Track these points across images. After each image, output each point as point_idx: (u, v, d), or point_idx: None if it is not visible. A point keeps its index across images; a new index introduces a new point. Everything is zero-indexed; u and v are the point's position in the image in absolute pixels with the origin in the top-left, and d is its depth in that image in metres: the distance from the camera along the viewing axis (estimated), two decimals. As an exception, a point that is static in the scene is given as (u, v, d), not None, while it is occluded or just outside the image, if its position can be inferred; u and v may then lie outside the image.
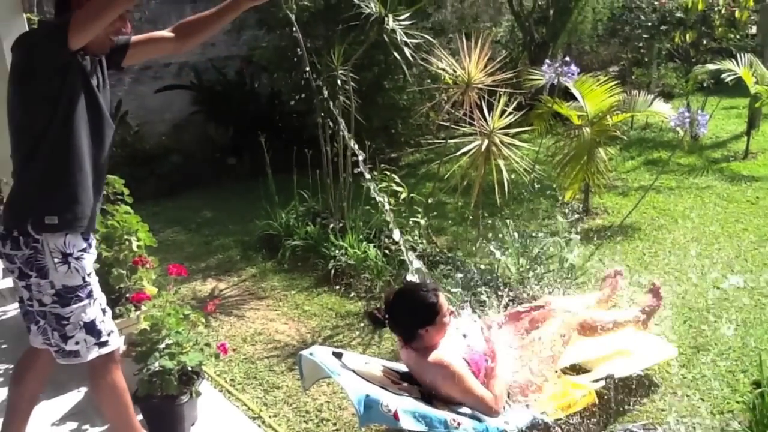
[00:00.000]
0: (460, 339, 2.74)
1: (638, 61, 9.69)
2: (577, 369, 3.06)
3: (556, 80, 4.15)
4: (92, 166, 2.26)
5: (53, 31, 2.09)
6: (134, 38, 2.40)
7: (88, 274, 2.29)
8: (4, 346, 3.63)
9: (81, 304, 2.25)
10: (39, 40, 2.17)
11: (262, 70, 7.59)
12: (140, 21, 6.73)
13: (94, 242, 2.41)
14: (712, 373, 3.19)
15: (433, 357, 2.58)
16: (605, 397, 2.86)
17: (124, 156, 6.69)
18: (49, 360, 2.40)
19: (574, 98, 5.22)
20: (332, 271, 4.43)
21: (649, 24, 8.92)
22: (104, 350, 2.33)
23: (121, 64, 2.43)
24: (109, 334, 2.35)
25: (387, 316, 2.67)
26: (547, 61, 4.23)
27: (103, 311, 2.35)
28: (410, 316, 2.61)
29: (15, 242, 2.18)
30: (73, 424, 2.92)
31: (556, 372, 2.86)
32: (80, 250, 2.26)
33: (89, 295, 2.28)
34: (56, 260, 2.19)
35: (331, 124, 4.82)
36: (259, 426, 2.95)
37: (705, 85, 8.05)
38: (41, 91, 2.15)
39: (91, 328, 2.29)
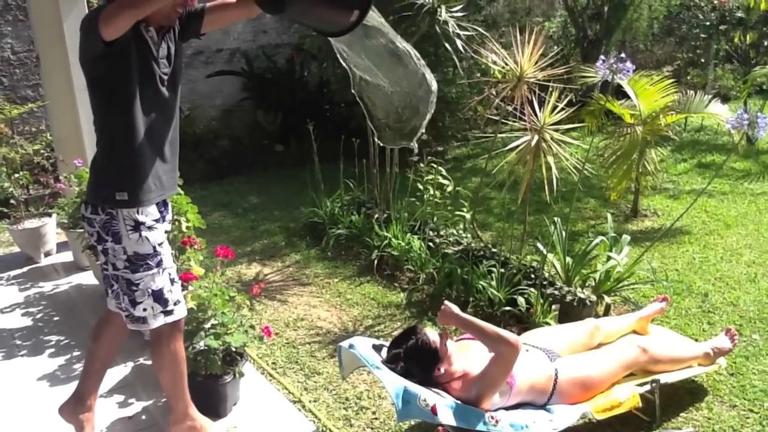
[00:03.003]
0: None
1: (694, 61, 9.45)
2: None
3: (609, 77, 4.07)
4: (157, 141, 2.32)
5: (90, 21, 2.10)
6: (209, 5, 2.42)
7: (159, 244, 2.35)
8: (56, 318, 3.74)
9: (150, 272, 2.32)
10: (84, 28, 2.19)
11: (312, 58, 7.62)
12: None
13: (169, 215, 2.49)
14: (763, 383, 3.10)
15: (456, 384, 2.56)
16: (650, 402, 2.81)
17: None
18: (123, 326, 2.48)
19: (626, 97, 5.11)
20: (375, 261, 4.44)
21: (708, 23, 8.68)
22: (169, 319, 2.40)
23: (200, 32, 2.45)
24: (175, 304, 2.41)
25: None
26: (602, 57, 4.15)
27: (172, 281, 2.41)
28: (420, 366, 2.54)
29: (94, 207, 2.31)
30: (120, 397, 3.00)
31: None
32: (154, 220, 2.33)
33: (158, 264, 2.35)
34: (128, 228, 2.28)
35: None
36: (299, 410, 2.98)
37: (764, 88, 7.80)
38: (95, 75, 2.23)
39: (158, 296, 2.36)
